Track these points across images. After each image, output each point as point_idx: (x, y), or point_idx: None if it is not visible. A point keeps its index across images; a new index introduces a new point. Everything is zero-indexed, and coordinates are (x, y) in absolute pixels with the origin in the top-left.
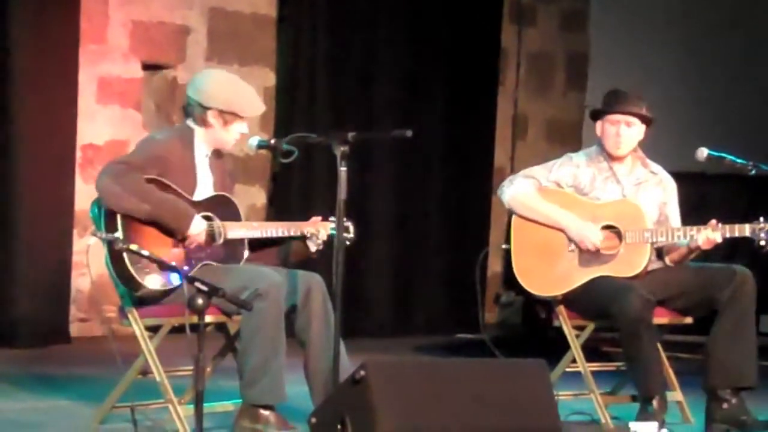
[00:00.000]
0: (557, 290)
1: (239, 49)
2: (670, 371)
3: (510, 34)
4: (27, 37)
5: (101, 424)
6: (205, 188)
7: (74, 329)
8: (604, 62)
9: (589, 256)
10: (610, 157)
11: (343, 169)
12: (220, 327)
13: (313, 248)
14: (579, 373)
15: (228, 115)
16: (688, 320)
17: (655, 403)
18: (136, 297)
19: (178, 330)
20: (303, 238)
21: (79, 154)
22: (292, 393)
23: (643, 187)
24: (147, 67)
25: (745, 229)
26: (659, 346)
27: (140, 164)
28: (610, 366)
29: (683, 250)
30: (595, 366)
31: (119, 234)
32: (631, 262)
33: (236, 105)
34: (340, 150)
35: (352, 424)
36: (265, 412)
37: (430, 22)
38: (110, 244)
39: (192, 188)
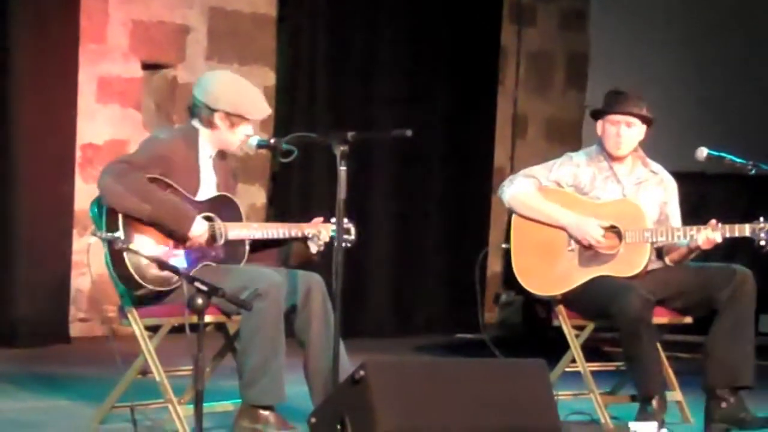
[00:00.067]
0: (557, 290)
1: (239, 49)
2: (670, 371)
3: (510, 34)
4: (27, 37)
5: (101, 424)
6: (208, 189)
7: (74, 329)
8: (604, 62)
9: (588, 255)
10: (611, 157)
11: (342, 169)
12: (220, 327)
13: (314, 250)
14: (579, 372)
15: (235, 118)
16: (688, 320)
17: (654, 402)
18: (136, 296)
19: (177, 330)
20: (304, 240)
21: (78, 153)
22: (291, 393)
23: (643, 186)
24: (147, 66)
25: (745, 229)
26: (659, 345)
27: (143, 164)
28: (609, 366)
29: (683, 250)
30: (595, 366)
31: (120, 233)
32: (630, 262)
33: (243, 107)
34: (339, 150)
35: (352, 424)
36: (265, 412)
37: (430, 22)
38: (110, 244)
39: (195, 188)
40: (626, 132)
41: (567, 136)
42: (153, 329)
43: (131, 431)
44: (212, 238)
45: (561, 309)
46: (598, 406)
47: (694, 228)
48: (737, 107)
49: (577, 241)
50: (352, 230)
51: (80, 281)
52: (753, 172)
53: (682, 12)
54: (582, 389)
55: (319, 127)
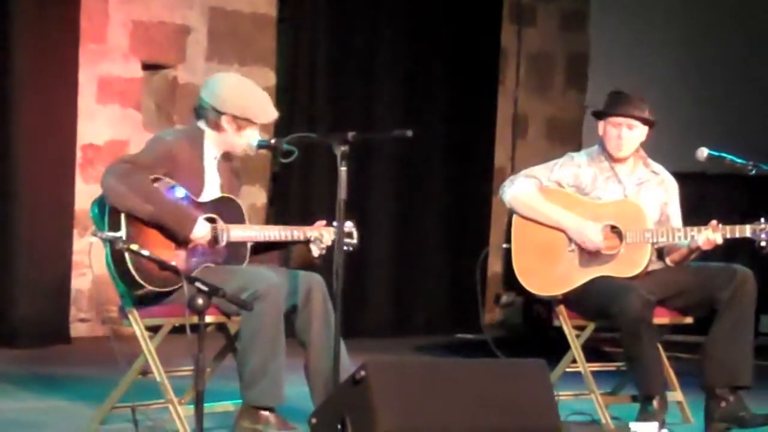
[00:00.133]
0: (557, 290)
1: (239, 49)
2: (671, 371)
3: (510, 34)
4: (27, 37)
5: (101, 424)
6: (212, 190)
7: (74, 329)
8: (604, 62)
9: (589, 256)
10: (612, 158)
11: (343, 169)
12: (221, 327)
13: (316, 253)
14: (579, 373)
15: (242, 121)
16: (689, 320)
17: (655, 403)
18: (137, 297)
19: (178, 330)
20: (306, 242)
21: (79, 154)
22: (292, 393)
23: (644, 187)
24: (147, 66)
25: (746, 230)
26: (659, 346)
27: (147, 164)
28: (610, 366)
29: (684, 251)
30: (596, 366)
31: (121, 233)
32: (631, 262)
33: (251, 111)
34: (340, 150)
35: (353, 424)
36: (265, 413)
37: (430, 22)
38: (111, 244)
39: (199, 189)
40: (627, 134)
41: (567, 137)
42: (153, 329)
43: (132, 431)
44: (214, 239)
45: (561, 309)
46: (599, 407)
47: (695, 229)
48: (737, 107)
49: (577, 244)
50: (355, 234)
51: (80, 281)
52: (753, 172)
53: (682, 12)
54: (583, 389)
55: (319, 128)
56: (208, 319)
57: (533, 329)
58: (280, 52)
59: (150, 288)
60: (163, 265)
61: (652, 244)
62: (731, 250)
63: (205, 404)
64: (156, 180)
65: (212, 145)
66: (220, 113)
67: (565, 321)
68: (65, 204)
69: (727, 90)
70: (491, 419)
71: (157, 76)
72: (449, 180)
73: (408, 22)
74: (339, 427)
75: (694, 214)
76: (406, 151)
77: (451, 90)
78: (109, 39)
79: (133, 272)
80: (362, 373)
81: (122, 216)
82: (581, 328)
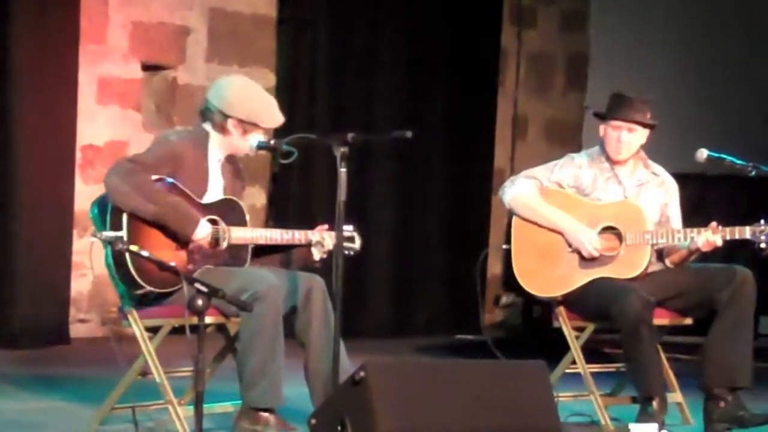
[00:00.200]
0: (557, 291)
1: (239, 50)
2: (670, 372)
3: (510, 35)
4: (27, 37)
5: (101, 425)
6: (215, 192)
7: (74, 330)
8: (604, 62)
9: (588, 257)
10: (611, 159)
11: (343, 170)
12: (220, 328)
13: (317, 257)
14: (579, 374)
15: (248, 125)
16: (688, 321)
17: (655, 404)
18: (137, 297)
19: (178, 331)
20: (307, 245)
21: (79, 154)
22: (292, 394)
23: (644, 188)
24: (147, 67)
25: (746, 232)
26: (659, 347)
27: (151, 164)
28: (610, 367)
29: (683, 252)
30: (595, 367)
31: (122, 233)
32: (631, 264)
33: (258, 116)
34: (340, 151)
35: (352, 425)
36: (265, 414)
37: (430, 23)
38: (111, 245)
39: (202, 191)
40: (627, 138)
41: (567, 138)
42: (153, 330)
43: None
44: (215, 241)
45: (561, 310)
46: (599, 408)
47: (695, 230)
48: (737, 107)
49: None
50: (357, 239)
51: (80, 282)
52: (753, 173)
53: (682, 12)
54: (582, 390)
55: (319, 128)
56: (208, 320)
57: (533, 330)
58: (280, 52)
59: (150, 288)
60: (163, 266)
61: (652, 245)
62: (731, 251)
63: (204, 405)
64: (159, 180)
65: (217, 148)
66: (226, 116)
67: (564, 322)
68: (65, 204)
69: (727, 90)
70: (491, 420)
71: (157, 77)
72: (449, 180)
73: (408, 23)
74: (338, 428)
75: (694, 215)
76: (406, 152)
77: (451, 91)
78: (109, 40)
79: (134, 273)
80: (362, 373)
81: (124, 215)
82: (581, 329)
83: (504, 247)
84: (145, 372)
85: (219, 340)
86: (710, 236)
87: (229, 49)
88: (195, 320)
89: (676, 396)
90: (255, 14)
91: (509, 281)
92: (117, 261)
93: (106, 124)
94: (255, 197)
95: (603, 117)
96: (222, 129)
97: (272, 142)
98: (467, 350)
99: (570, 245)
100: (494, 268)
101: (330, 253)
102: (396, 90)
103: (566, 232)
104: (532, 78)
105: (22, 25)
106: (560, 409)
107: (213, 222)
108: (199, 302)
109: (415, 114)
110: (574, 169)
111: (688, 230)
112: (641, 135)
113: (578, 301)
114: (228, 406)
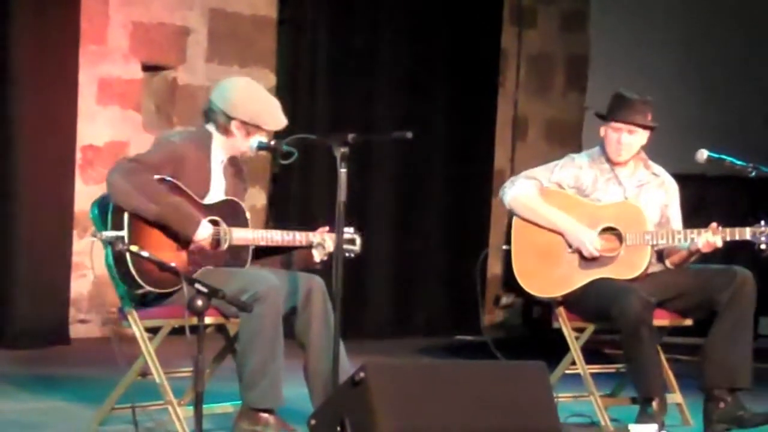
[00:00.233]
0: (557, 292)
1: (239, 51)
2: (670, 373)
3: (510, 36)
4: (27, 37)
5: (101, 425)
6: (217, 193)
7: (74, 330)
8: (604, 63)
9: (589, 257)
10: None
11: (343, 171)
12: (220, 329)
13: (317, 258)
14: (579, 375)
15: (251, 127)
16: (688, 322)
17: (654, 405)
18: (137, 297)
19: (178, 331)
20: (308, 247)
21: (79, 155)
22: (291, 395)
23: (645, 189)
24: (147, 68)
25: (746, 233)
26: (659, 348)
27: (154, 164)
28: (609, 368)
29: (684, 253)
30: (595, 368)
31: (122, 233)
32: (631, 264)
33: (261, 118)
34: (340, 152)
35: (352, 425)
36: (265, 415)
37: (430, 23)
38: (111, 245)
39: (204, 192)
40: (627, 139)
41: (567, 138)
42: (153, 331)
43: None
44: (216, 242)
45: (561, 311)
46: (598, 409)
47: (695, 231)
48: (737, 107)
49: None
50: (358, 241)
51: (80, 283)
52: (753, 174)
53: (682, 12)
54: (582, 391)
55: (319, 129)
56: (208, 320)
57: (533, 331)
58: (280, 53)
59: (150, 289)
60: (163, 267)
61: (652, 246)
62: (731, 252)
63: (204, 405)
64: (161, 181)
65: (219, 149)
66: (230, 118)
67: (564, 323)
68: (65, 205)
69: (727, 90)
70: (491, 421)
71: (157, 78)
72: (449, 181)
73: (408, 23)
74: (338, 428)
75: (694, 216)
76: (406, 152)
77: (451, 91)
78: (109, 40)
79: (134, 273)
80: (361, 374)
81: (125, 215)
82: (581, 330)
83: (504, 247)
84: (145, 372)
85: (219, 340)
86: (710, 237)
87: (229, 50)
88: (195, 321)
89: (675, 397)
90: (255, 15)
91: (509, 282)
92: (117, 261)
93: (106, 125)
94: (255, 198)
95: (604, 118)
96: (225, 130)
97: (272, 142)
98: (467, 351)
99: (570, 246)
100: (494, 268)
101: (331, 255)
102: (396, 90)
103: (566, 232)
104: (533, 78)
105: (22, 25)
106: (560, 409)
107: (214, 223)
108: (199, 303)
109: (415, 114)
110: (574, 169)
111: (689, 231)
112: (642, 136)
113: (578, 302)
114: (228, 407)
